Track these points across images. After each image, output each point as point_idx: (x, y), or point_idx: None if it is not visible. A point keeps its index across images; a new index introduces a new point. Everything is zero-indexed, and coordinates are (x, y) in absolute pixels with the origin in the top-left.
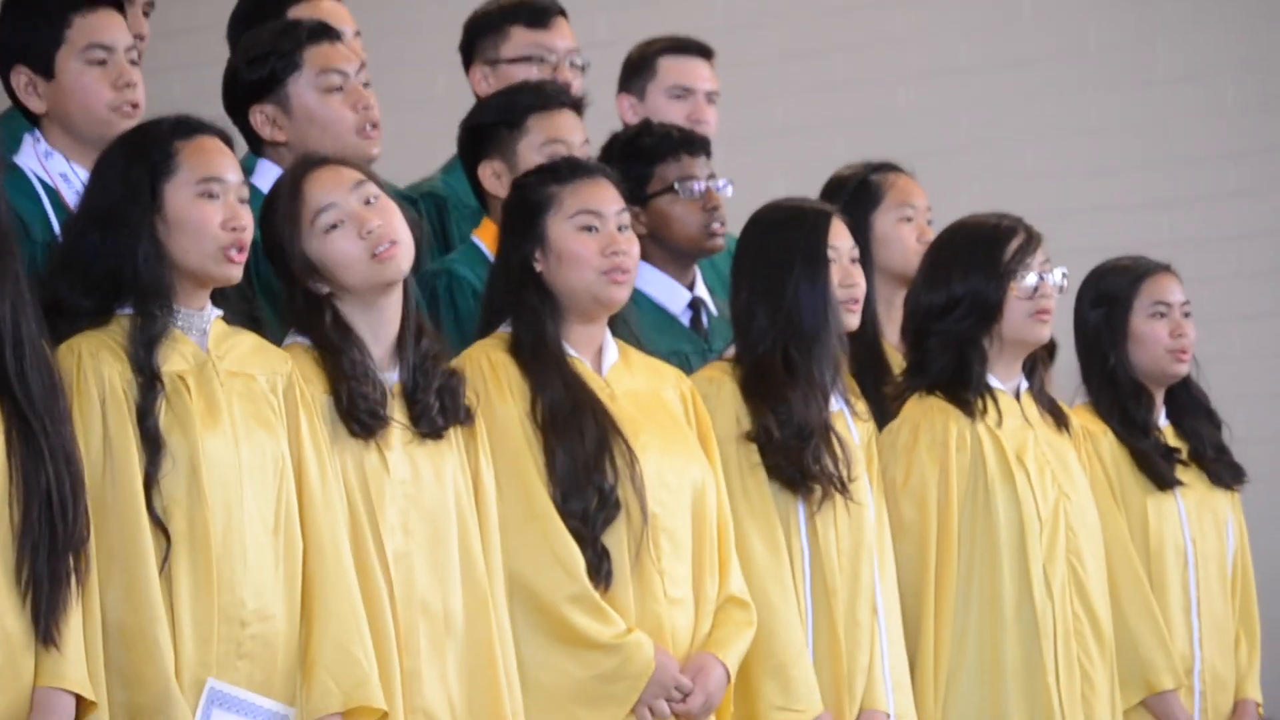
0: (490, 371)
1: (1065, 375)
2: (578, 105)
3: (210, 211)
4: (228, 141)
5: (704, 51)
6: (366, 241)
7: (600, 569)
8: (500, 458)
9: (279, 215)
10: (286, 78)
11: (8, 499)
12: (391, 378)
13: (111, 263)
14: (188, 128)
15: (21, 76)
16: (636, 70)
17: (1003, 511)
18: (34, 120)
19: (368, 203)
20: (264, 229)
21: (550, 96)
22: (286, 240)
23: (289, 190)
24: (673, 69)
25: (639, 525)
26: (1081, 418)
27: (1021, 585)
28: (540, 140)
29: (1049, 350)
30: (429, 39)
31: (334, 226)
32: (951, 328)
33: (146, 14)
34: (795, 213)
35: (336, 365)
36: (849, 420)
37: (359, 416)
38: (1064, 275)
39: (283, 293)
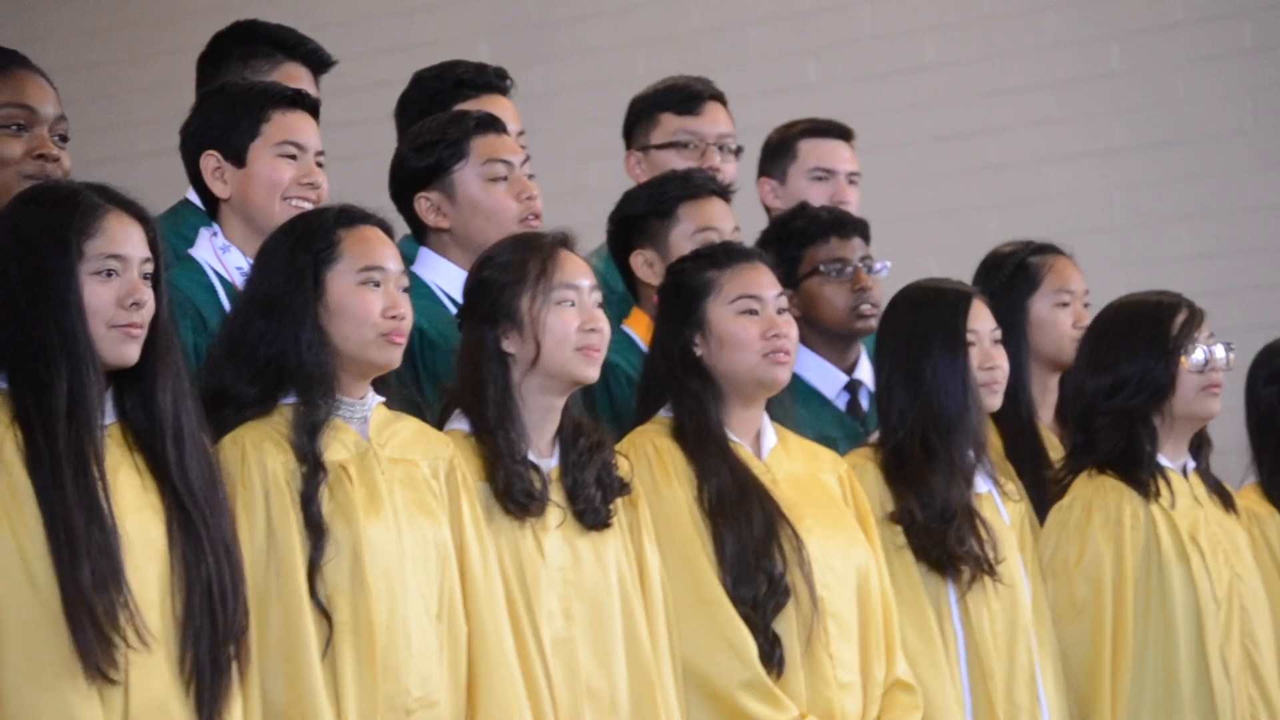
0: (656, 457)
1: (1224, 457)
2: (725, 192)
3: (371, 299)
4: (388, 231)
5: (844, 133)
6: (584, 335)
7: (772, 655)
8: (668, 543)
9: (512, 268)
10: (453, 166)
11: (169, 589)
12: (550, 464)
13: (276, 349)
14: (350, 217)
15: (211, 161)
16: (776, 153)
17: (1178, 592)
18: (210, 213)
19: (601, 306)
20: (480, 276)
21: (698, 185)
22: (511, 292)
23: (544, 252)
24: (813, 151)
25: (808, 610)
26: (1247, 499)
27: (1199, 667)
28: (691, 229)
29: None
30: (582, 131)
31: (571, 305)
32: (1121, 406)
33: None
34: (935, 294)
35: (494, 447)
36: (998, 501)
37: (515, 497)
38: (1229, 349)
39: (460, 354)
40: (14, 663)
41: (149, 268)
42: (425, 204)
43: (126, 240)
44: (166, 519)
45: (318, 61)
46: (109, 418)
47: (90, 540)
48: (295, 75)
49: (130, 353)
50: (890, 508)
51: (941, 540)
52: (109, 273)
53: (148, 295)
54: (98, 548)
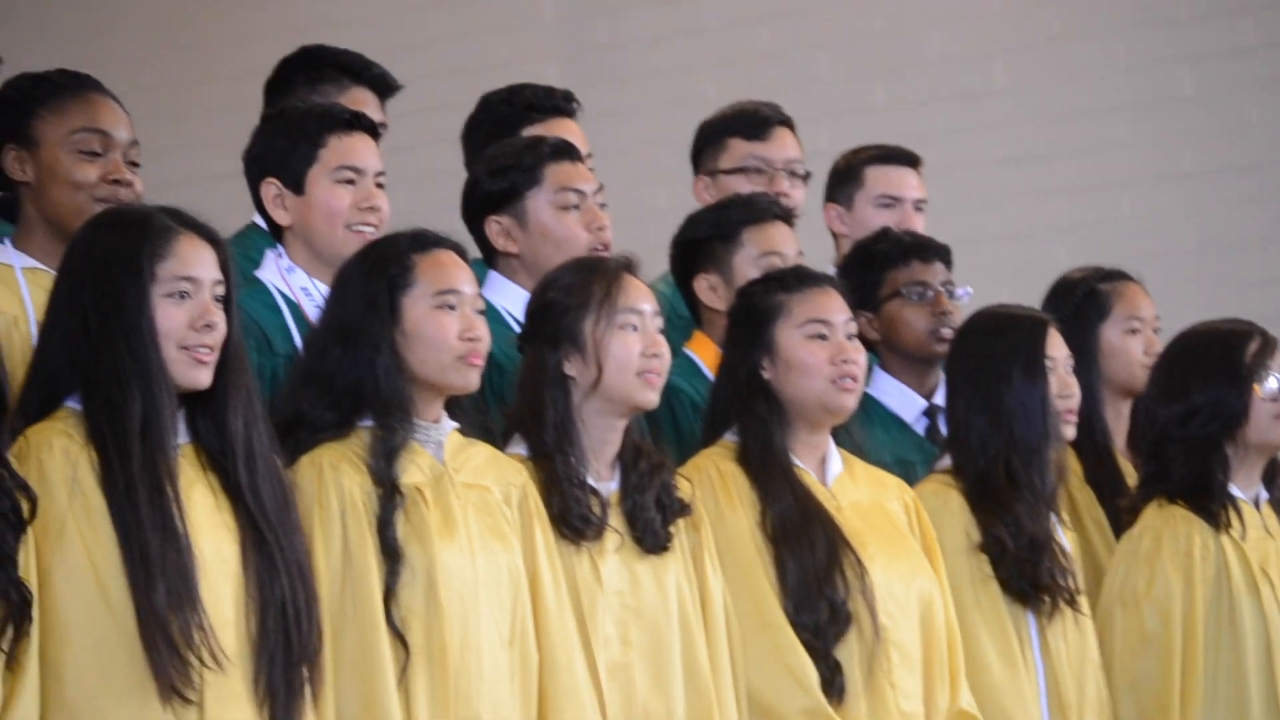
0: (719, 481)
1: None
2: (788, 216)
3: (448, 323)
4: (462, 254)
5: (911, 160)
6: (646, 360)
7: (833, 683)
8: (731, 567)
9: (576, 291)
10: (525, 191)
11: (244, 609)
12: (610, 487)
13: (353, 376)
14: (424, 242)
15: (271, 189)
16: (844, 179)
17: (1249, 624)
18: (276, 235)
19: (660, 331)
20: (544, 298)
21: (762, 209)
22: (574, 316)
23: (608, 276)
24: (880, 178)
25: (870, 638)
26: None
27: (1269, 701)
28: (755, 253)
29: None
30: (650, 154)
31: (634, 329)
32: (1193, 435)
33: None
34: (1011, 320)
35: (551, 471)
36: (1058, 530)
37: (571, 521)
38: None
39: (521, 377)
40: (89, 682)
41: (220, 290)
42: (496, 228)
43: (198, 262)
44: (240, 539)
45: (384, 85)
46: (182, 438)
47: (165, 560)
48: (361, 99)
49: (201, 378)
50: (977, 537)
51: (1033, 571)
52: (181, 295)
53: (219, 317)
54: (172, 567)
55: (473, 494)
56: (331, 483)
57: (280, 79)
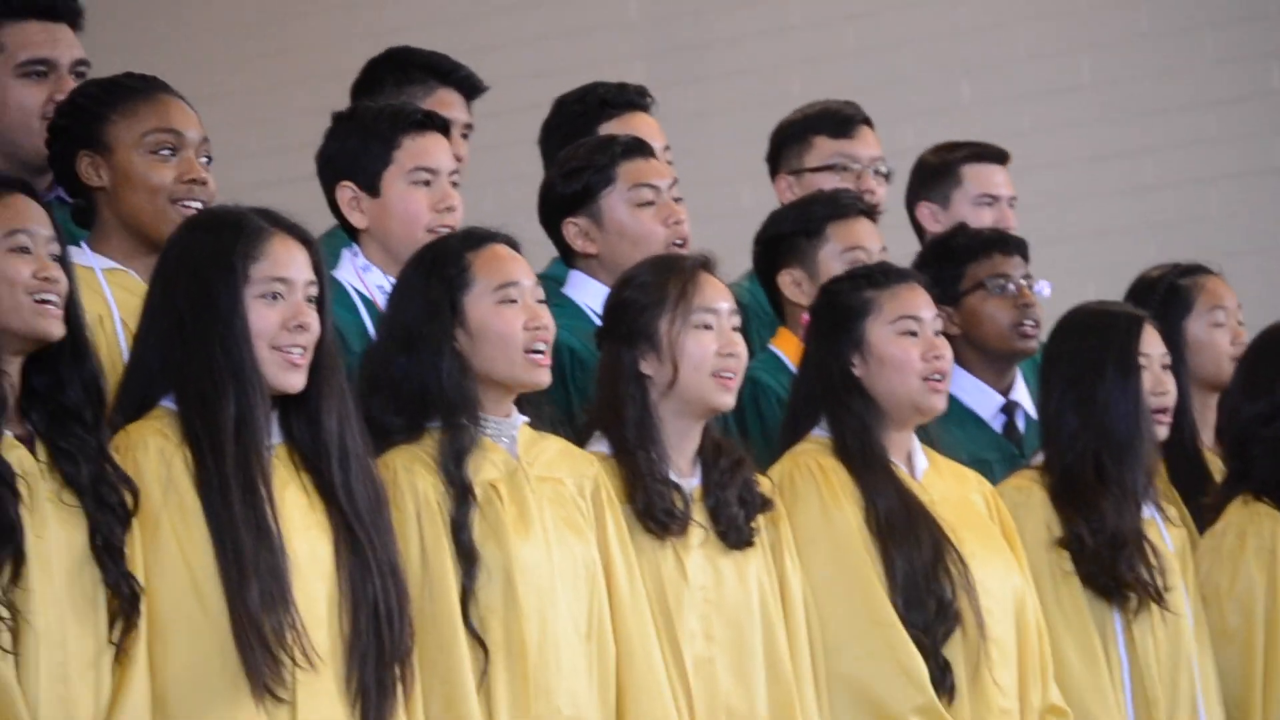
0: (822, 476)
1: None
2: (872, 212)
3: (511, 316)
4: (515, 247)
5: (1004, 157)
6: (721, 360)
7: (943, 681)
8: (838, 563)
9: (652, 290)
10: (600, 191)
11: (337, 609)
12: (691, 483)
13: (417, 382)
14: (476, 239)
15: (347, 192)
16: (938, 177)
17: None
18: (351, 235)
19: (735, 330)
20: (621, 296)
21: (846, 205)
22: (650, 314)
23: (685, 275)
24: (979, 177)
25: (975, 635)
26: None
27: None
28: (840, 248)
29: None
30: (735, 153)
31: (709, 329)
32: (1278, 432)
33: (465, 136)
34: (1106, 317)
35: (634, 467)
36: (1161, 527)
37: (656, 516)
38: None
39: (599, 374)
40: (182, 680)
41: (313, 290)
42: (573, 229)
43: (291, 263)
44: (334, 539)
45: (470, 87)
46: (275, 438)
47: (259, 560)
48: (448, 101)
49: (295, 381)
50: (1058, 532)
51: (1112, 567)
52: (274, 295)
53: (312, 318)
54: (266, 567)
55: (547, 487)
56: (406, 485)
57: (368, 80)
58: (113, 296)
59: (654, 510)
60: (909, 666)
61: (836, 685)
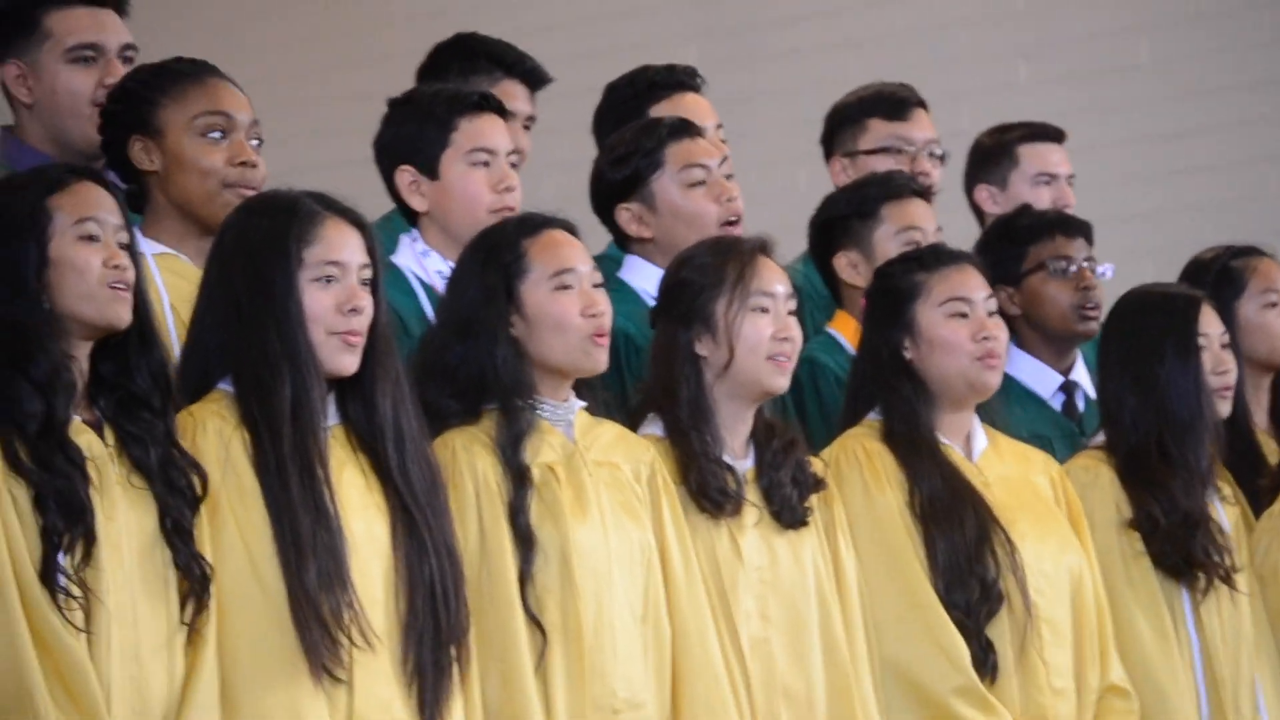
0: (866, 461)
1: None
2: (926, 193)
3: (569, 303)
4: (573, 231)
5: (1060, 136)
6: (777, 344)
7: (986, 661)
8: (879, 546)
9: (710, 271)
10: (650, 175)
11: (394, 590)
12: (745, 465)
13: (474, 369)
14: (532, 225)
15: (406, 176)
16: (994, 158)
17: None
18: (412, 220)
19: (791, 314)
20: (678, 276)
21: (900, 186)
22: (707, 296)
23: (743, 257)
24: (1035, 156)
25: (1021, 616)
26: None
27: None
28: (895, 229)
29: None
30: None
31: (765, 312)
32: None
33: (527, 128)
34: (1164, 298)
35: (688, 448)
36: (1219, 506)
37: (711, 495)
38: None
39: (654, 353)
40: (242, 661)
41: (368, 274)
42: (627, 215)
43: (345, 247)
44: (390, 520)
45: (536, 78)
46: (332, 420)
47: (316, 540)
48: (512, 93)
49: (349, 363)
50: (1128, 513)
51: (1185, 548)
52: (328, 279)
53: (366, 301)
54: (324, 548)
55: (604, 471)
56: (465, 465)
57: (433, 65)
58: (162, 281)
59: (707, 489)
60: (948, 647)
61: (880, 667)
